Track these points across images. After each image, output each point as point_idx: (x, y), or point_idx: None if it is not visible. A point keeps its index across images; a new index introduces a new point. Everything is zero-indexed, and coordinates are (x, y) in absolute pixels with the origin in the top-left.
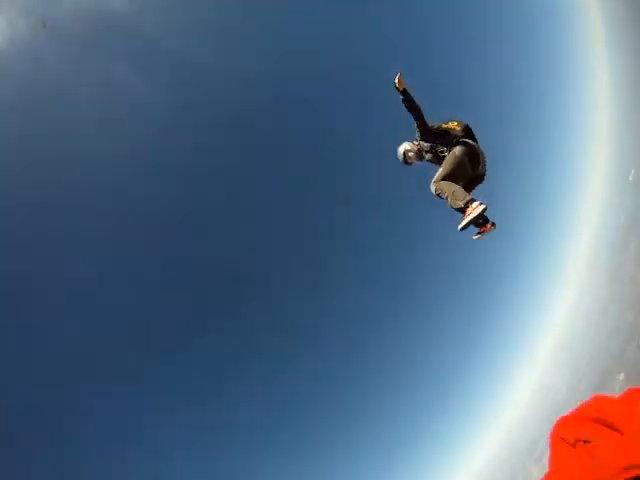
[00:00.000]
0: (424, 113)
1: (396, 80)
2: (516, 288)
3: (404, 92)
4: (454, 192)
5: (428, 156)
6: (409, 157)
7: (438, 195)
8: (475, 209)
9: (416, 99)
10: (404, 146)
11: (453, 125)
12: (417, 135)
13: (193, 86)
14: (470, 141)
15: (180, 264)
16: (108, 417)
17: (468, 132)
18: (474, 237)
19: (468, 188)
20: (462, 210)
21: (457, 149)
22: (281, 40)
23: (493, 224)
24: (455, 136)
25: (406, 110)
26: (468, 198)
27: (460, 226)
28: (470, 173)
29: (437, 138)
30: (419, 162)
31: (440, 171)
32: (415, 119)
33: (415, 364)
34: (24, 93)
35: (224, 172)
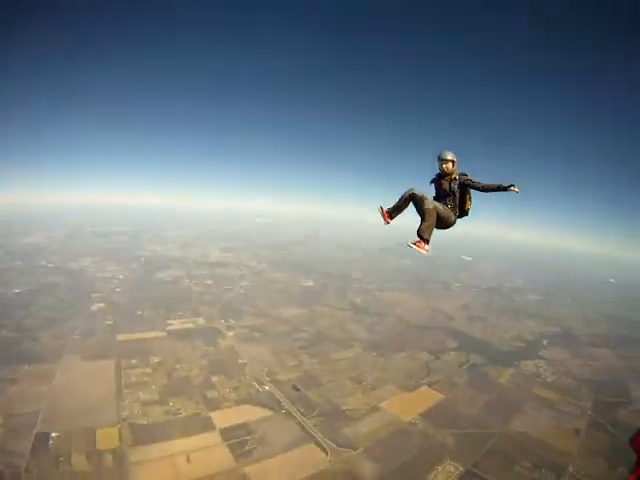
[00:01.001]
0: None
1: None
2: None
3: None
4: (431, 225)
5: (446, 192)
6: (447, 168)
7: (425, 210)
8: (423, 249)
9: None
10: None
11: (469, 204)
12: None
13: None
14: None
15: None
16: None
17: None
18: (409, 242)
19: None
20: (420, 238)
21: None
22: None
23: (421, 244)
24: (462, 208)
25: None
26: (429, 238)
27: (410, 244)
28: (444, 224)
29: (459, 200)
30: (444, 180)
31: (441, 207)
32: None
33: None
34: None
35: None
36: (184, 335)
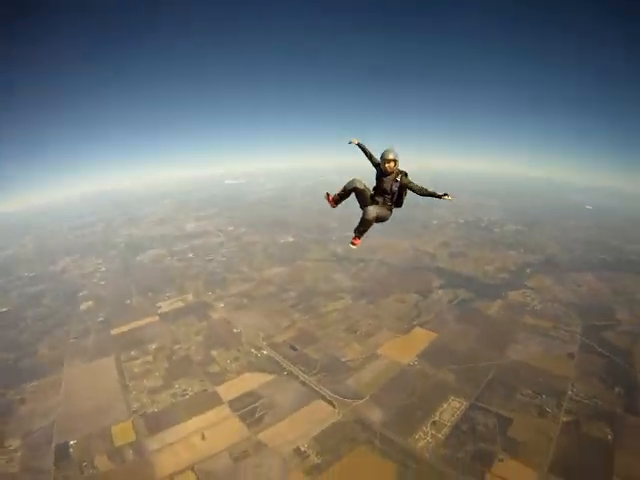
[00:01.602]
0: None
1: None
2: None
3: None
4: (366, 230)
5: (386, 191)
6: (390, 167)
7: (365, 219)
8: (356, 244)
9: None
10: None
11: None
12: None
13: None
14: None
15: None
16: None
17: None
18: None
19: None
20: (357, 233)
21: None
22: None
23: (355, 241)
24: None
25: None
26: (361, 234)
27: (351, 245)
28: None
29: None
30: (386, 179)
31: (379, 212)
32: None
33: None
34: None
35: None
36: (176, 315)
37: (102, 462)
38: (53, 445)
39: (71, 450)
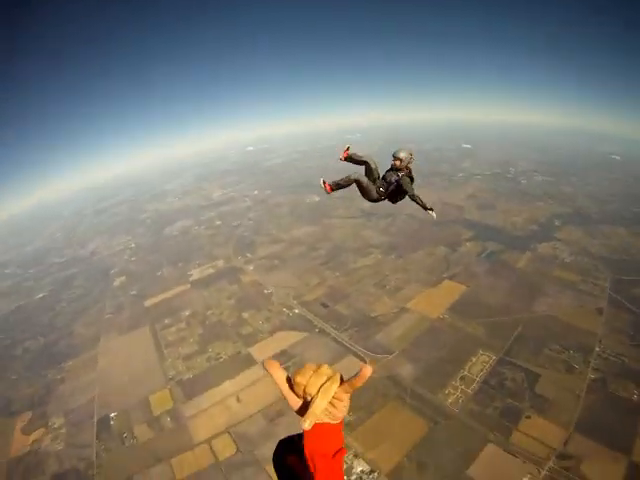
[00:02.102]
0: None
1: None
2: None
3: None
4: (343, 187)
5: (385, 180)
6: (395, 164)
7: (354, 176)
8: (326, 188)
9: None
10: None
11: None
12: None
13: None
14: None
15: None
16: None
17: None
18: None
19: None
20: (333, 183)
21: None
22: None
23: (326, 185)
24: (391, 197)
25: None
26: (336, 186)
27: (321, 183)
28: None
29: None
30: (392, 172)
31: (369, 184)
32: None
33: None
34: None
35: None
36: (207, 282)
37: (142, 431)
38: (95, 419)
39: (112, 422)
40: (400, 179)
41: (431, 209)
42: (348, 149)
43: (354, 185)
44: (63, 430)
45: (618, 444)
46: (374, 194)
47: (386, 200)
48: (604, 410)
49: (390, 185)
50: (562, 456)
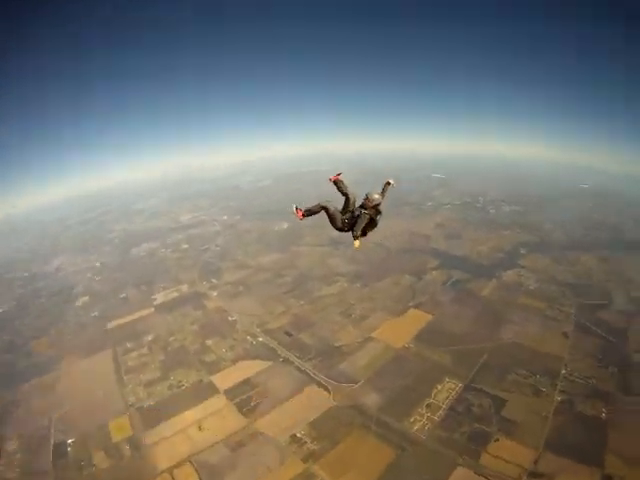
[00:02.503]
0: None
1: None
2: None
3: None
4: (312, 214)
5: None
6: (366, 204)
7: (323, 203)
8: (298, 215)
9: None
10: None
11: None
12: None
13: None
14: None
15: None
16: None
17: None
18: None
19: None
20: (305, 210)
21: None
22: None
23: (298, 213)
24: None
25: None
26: (308, 213)
27: (293, 209)
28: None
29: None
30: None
31: (336, 213)
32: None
33: None
34: None
35: None
36: (171, 306)
37: (100, 459)
38: (51, 445)
39: (69, 449)
40: (360, 215)
41: (356, 237)
42: (339, 175)
43: (324, 214)
44: (18, 456)
45: (590, 459)
46: (339, 223)
47: (350, 231)
48: (573, 429)
49: (353, 218)
50: (534, 474)
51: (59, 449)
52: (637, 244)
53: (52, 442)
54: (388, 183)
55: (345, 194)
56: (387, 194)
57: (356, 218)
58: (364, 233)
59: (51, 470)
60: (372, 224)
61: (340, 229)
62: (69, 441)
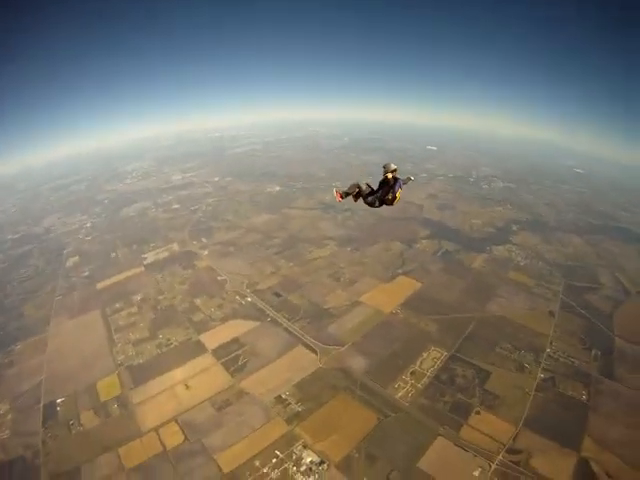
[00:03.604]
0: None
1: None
2: None
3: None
4: (350, 195)
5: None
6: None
7: (359, 190)
8: (338, 198)
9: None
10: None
11: (390, 196)
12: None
13: None
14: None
15: None
16: None
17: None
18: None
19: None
20: (343, 192)
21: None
22: None
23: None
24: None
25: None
26: (345, 194)
27: (334, 189)
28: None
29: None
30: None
31: (366, 194)
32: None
33: None
34: None
35: None
36: (161, 265)
37: (88, 418)
38: (41, 405)
39: (59, 409)
40: (383, 181)
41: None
42: (338, 192)
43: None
44: (9, 417)
45: (567, 441)
46: (369, 199)
47: (382, 204)
48: (553, 408)
49: (378, 192)
50: (512, 451)
51: (48, 409)
52: (629, 233)
53: (42, 403)
54: (409, 178)
55: (357, 188)
56: (407, 184)
57: (380, 189)
58: (382, 202)
59: (41, 430)
60: (387, 191)
61: (370, 204)
62: (58, 401)
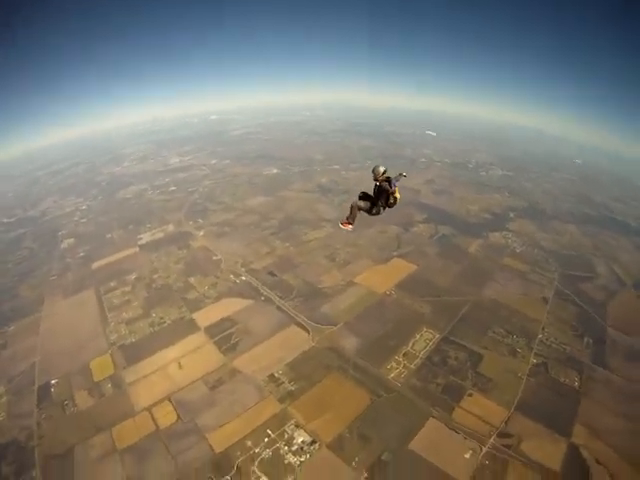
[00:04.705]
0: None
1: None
2: None
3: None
4: (354, 216)
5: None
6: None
7: (353, 203)
8: (347, 227)
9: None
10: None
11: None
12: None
13: None
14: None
15: None
16: None
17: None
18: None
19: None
20: (347, 218)
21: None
22: None
23: (348, 223)
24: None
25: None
26: (350, 219)
27: (340, 225)
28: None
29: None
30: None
31: (364, 203)
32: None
33: None
34: None
35: None
36: (156, 245)
37: (82, 399)
38: (35, 387)
39: (53, 390)
40: (378, 189)
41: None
42: (344, 223)
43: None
44: (4, 399)
45: (559, 426)
46: (370, 211)
47: (385, 208)
48: (545, 394)
49: (378, 195)
50: (503, 434)
51: (43, 390)
52: (625, 225)
53: (36, 384)
54: (401, 174)
55: (358, 208)
56: (400, 181)
57: (377, 196)
58: (384, 205)
59: (36, 412)
60: (387, 197)
61: (377, 214)
62: (53, 382)
